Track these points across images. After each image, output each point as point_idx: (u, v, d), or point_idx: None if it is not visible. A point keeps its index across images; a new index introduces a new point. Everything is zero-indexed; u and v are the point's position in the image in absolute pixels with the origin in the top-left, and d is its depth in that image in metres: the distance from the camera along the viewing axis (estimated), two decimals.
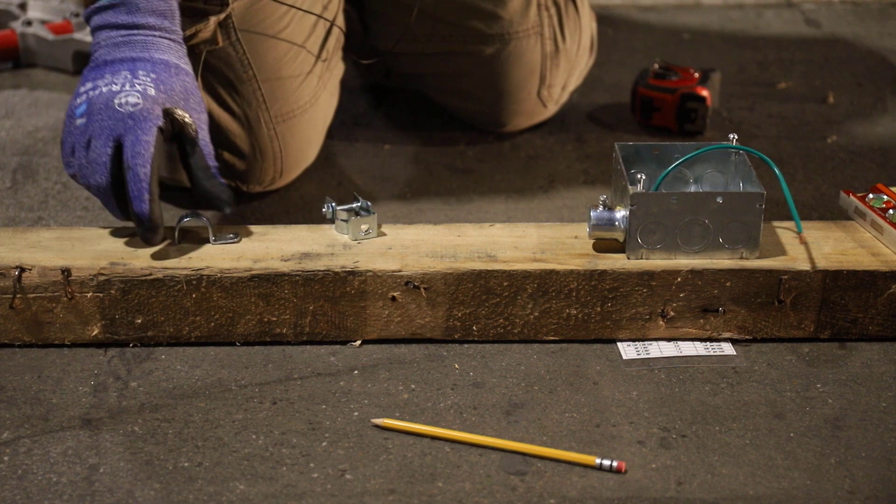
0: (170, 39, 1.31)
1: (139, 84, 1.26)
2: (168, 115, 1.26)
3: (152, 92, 1.26)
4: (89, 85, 1.27)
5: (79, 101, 1.27)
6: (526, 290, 1.26)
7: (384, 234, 1.30)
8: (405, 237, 1.31)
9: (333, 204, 1.31)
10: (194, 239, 1.29)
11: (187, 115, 1.27)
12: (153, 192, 1.23)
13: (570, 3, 1.67)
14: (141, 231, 1.24)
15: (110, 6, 1.30)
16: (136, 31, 1.29)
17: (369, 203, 1.32)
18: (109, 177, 1.24)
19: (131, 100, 1.24)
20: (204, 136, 1.29)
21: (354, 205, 1.32)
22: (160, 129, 1.25)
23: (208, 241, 1.29)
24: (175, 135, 1.28)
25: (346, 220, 1.30)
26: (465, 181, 1.61)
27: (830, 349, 1.28)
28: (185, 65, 1.31)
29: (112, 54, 1.29)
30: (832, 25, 2.11)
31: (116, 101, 1.24)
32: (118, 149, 1.24)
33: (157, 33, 1.30)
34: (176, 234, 1.28)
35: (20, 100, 1.83)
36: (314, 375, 1.24)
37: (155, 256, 1.26)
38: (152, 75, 1.27)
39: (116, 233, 1.30)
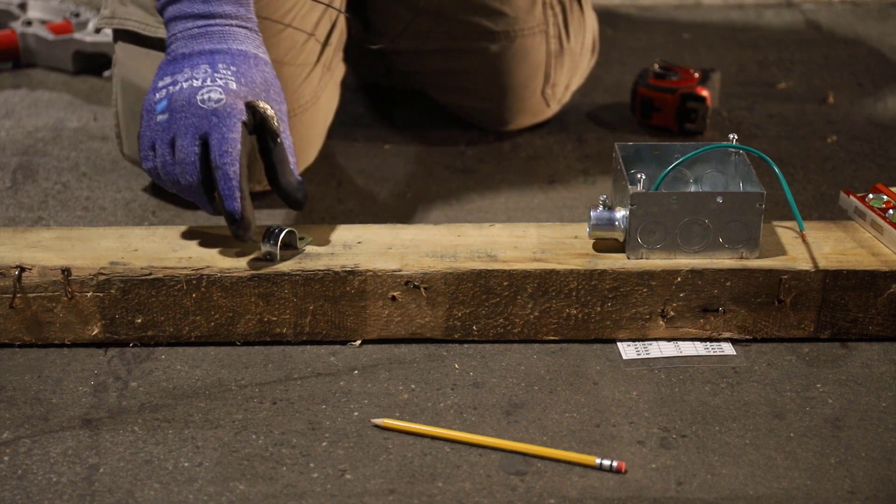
0: (246, 28, 1.30)
1: (220, 78, 1.25)
2: (250, 108, 1.25)
3: (234, 86, 1.25)
4: (168, 80, 1.26)
5: (158, 96, 1.26)
6: (526, 289, 1.26)
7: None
8: (405, 237, 1.31)
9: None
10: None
11: (269, 108, 1.26)
12: (244, 190, 1.23)
13: (575, 2, 1.67)
14: (234, 229, 1.23)
15: None
16: (212, 22, 1.28)
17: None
18: (200, 175, 1.24)
19: (214, 95, 1.23)
20: (285, 129, 1.28)
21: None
22: (244, 124, 1.24)
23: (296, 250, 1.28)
24: (256, 127, 1.27)
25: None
26: (465, 181, 1.61)
27: (830, 349, 1.28)
28: (263, 53, 1.30)
29: (189, 47, 1.28)
30: (832, 25, 2.11)
31: (199, 97, 1.24)
32: (204, 146, 1.24)
33: (233, 22, 1.29)
34: (278, 251, 1.26)
35: (20, 100, 1.83)
36: (314, 375, 1.24)
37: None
38: (232, 68, 1.26)
39: (119, 232, 1.31)
